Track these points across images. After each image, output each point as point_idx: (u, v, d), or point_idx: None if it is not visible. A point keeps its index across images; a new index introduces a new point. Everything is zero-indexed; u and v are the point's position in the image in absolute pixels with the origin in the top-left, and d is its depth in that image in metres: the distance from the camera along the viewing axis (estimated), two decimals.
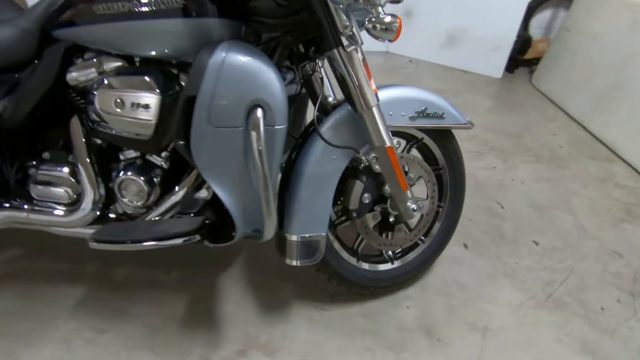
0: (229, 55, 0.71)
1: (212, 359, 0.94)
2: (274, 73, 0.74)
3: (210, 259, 1.22)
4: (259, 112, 0.72)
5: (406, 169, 1.01)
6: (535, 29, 3.08)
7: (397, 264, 1.12)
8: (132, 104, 0.76)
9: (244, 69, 0.72)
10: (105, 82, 0.78)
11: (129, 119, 0.77)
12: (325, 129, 0.89)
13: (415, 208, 0.97)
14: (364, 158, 0.91)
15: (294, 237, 0.91)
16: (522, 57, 2.98)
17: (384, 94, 0.92)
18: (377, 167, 0.92)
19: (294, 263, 0.92)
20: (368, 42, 0.81)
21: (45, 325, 1.00)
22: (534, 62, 2.99)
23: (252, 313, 1.07)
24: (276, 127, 0.75)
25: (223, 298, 1.11)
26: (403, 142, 1.03)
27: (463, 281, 1.22)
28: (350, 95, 0.83)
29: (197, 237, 0.83)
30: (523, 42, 2.91)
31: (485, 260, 1.31)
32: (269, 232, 0.81)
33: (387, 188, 0.96)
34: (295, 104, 1.04)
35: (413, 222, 1.07)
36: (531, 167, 1.87)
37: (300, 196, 0.90)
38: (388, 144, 0.88)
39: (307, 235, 0.91)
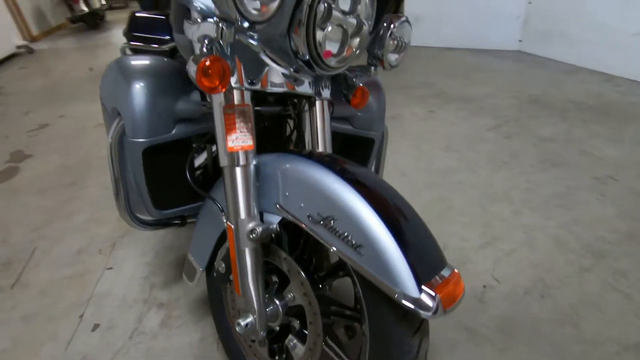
0: (117, 61, 0.80)
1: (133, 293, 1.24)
2: (136, 87, 0.74)
3: None
4: (118, 118, 0.79)
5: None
6: None
7: None
8: None
9: (111, 73, 0.79)
10: None
11: None
12: None
13: (242, 324, 0.70)
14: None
15: None
16: None
17: (290, 161, 0.67)
18: None
19: None
20: None
21: None
22: None
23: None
24: (129, 139, 0.78)
25: None
26: None
27: None
28: None
29: None
30: None
31: None
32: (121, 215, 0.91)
33: None
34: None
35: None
36: None
37: None
38: (231, 223, 0.68)
39: None
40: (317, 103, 0.77)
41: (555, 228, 1.46)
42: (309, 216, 0.62)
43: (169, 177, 0.91)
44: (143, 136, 0.78)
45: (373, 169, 1.16)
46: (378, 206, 0.59)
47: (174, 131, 0.82)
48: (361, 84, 0.80)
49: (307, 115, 0.79)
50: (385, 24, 0.74)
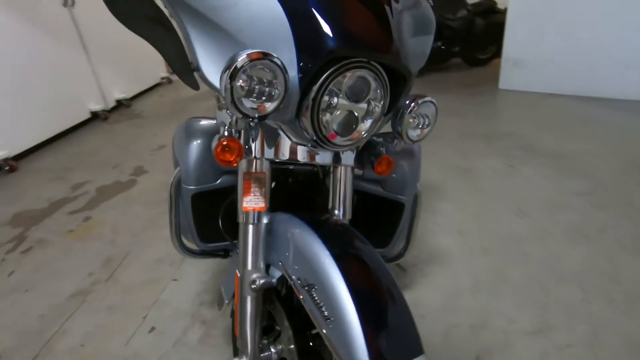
0: (186, 121, 0.99)
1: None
2: (193, 144, 0.93)
3: None
4: (178, 167, 0.98)
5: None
6: None
7: None
8: None
9: (180, 131, 1.00)
10: None
11: None
12: None
13: None
14: None
15: None
16: None
17: (297, 225, 0.76)
18: None
19: None
20: None
21: None
22: None
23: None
24: (183, 185, 0.97)
25: None
26: None
27: None
28: None
29: None
30: None
31: None
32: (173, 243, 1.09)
33: None
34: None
35: None
36: None
37: None
38: (239, 271, 0.80)
39: None
40: (341, 168, 0.84)
41: (634, 328, 1.22)
42: (298, 279, 0.70)
43: (213, 217, 1.07)
44: (193, 184, 0.98)
45: (405, 233, 1.17)
46: (356, 285, 0.63)
47: (218, 181, 1.00)
48: (388, 153, 0.84)
49: (331, 177, 0.87)
50: (407, 102, 0.76)
